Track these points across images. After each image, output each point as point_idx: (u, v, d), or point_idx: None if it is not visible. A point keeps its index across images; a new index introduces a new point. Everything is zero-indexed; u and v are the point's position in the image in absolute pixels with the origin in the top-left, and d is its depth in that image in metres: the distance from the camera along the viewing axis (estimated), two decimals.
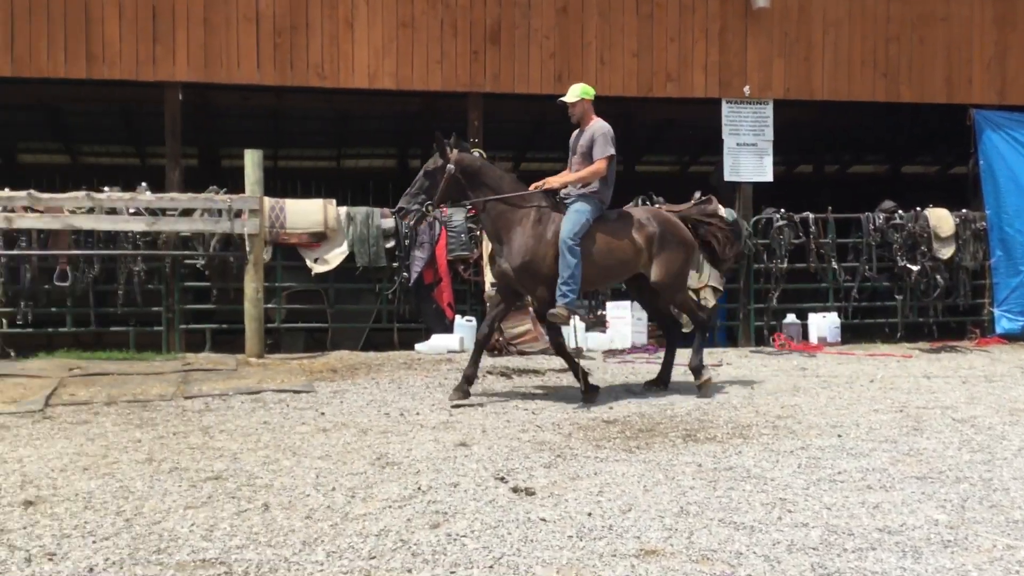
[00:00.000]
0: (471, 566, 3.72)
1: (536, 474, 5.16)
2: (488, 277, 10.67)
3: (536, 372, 9.15)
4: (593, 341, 11.05)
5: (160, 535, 4.06)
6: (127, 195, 10.18)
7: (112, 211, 10.05)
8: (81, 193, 9.98)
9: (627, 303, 11.32)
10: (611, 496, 4.72)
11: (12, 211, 9.79)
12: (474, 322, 10.91)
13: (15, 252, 10.05)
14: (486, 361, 9.77)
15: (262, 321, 10.10)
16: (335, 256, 10.90)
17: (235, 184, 11.03)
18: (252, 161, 10.13)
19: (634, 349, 11.05)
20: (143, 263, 10.42)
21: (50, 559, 3.78)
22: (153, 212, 10.25)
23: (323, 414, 6.92)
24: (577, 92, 7.83)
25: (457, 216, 11.08)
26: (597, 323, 11.49)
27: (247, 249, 9.94)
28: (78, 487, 4.87)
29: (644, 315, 11.44)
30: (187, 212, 10.39)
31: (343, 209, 11.01)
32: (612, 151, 7.67)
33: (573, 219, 7.47)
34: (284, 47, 11.00)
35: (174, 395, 7.71)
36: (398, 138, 17.72)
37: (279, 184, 14.75)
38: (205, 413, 6.98)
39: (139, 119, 15.39)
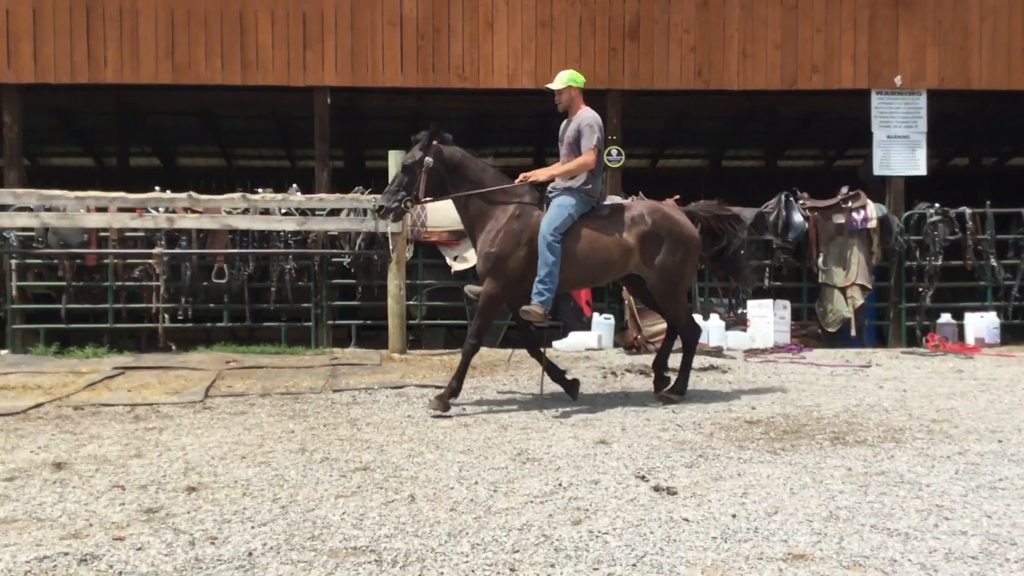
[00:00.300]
0: (614, 563, 3.72)
1: (677, 473, 5.11)
2: None
3: (674, 370, 9.04)
4: (734, 340, 10.83)
5: (314, 522, 4.23)
6: (279, 196, 10.62)
7: (265, 212, 10.51)
8: (237, 195, 10.48)
9: (769, 301, 11.06)
10: (756, 498, 4.63)
11: (174, 212, 10.37)
12: (612, 320, 10.88)
13: (177, 251, 10.62)
14: (624, 359, 9.75)
15: (404, 318, 10.36)
16: (474, 254, 11.03)
17: (379, 184, 11.34)
18: (396, 161, 10.37)
19: (777, 348, 10.77)
20: (294, 261, 10.84)
21: (212, 542, 3.98)
22: (303, 212, 10.67)
23: (464, 409, 7.04)
24: (564, 79, 7.44)
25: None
26: (738, 322, 11.27)
27: (390, 247, 10.21)
28: (237, 474, 5.11)
29: (787, 313, 11.17)
30: (334, 212, 10.78)
31: None
32: (599, 142, 7.28)
33: (554, 214, 7.13)
34: (427, 50, 11.25)
35: (323, 388, 7.99)
36: (536, 137, 17.82)
37: None
38: (352, 406, 7.22)
39: (289, 123, 16.03)
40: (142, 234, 10.64)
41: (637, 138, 16.02)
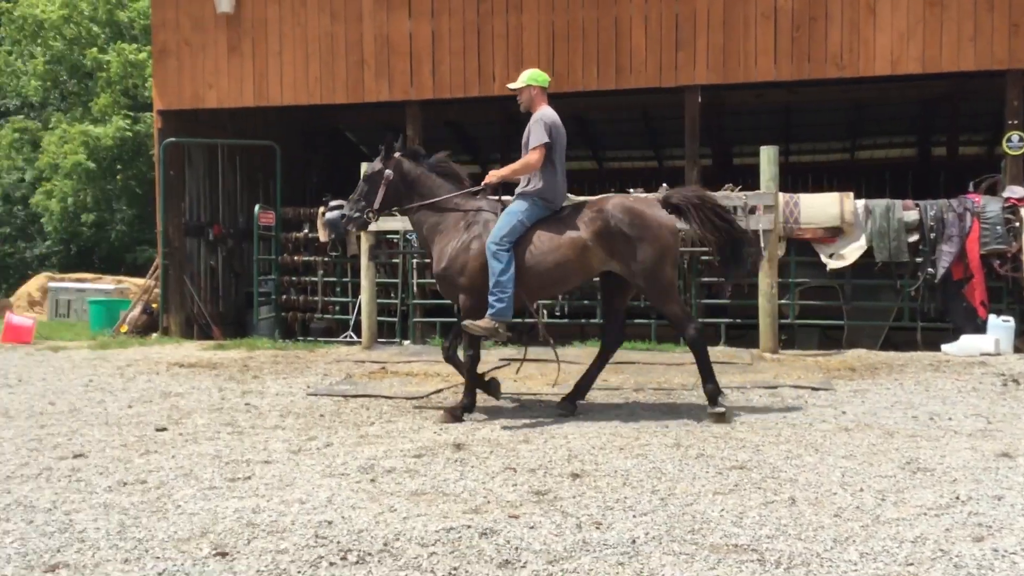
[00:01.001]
0: None
1: None
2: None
3: None
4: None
5: (693, 516, 4.28)
6: (651, 196, 10.81)
7: None
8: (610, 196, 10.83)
9: None
10: None
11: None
12: (1011, 322, 9.86)
13: None
14: None
15: (776, 317, 10.13)
16: (852, 251, 10.53)
17: (747, 181, 11.20)
18: (768, 157, 10.19)
19: None
20: None
21: (597, 527, 4.16)
22: None
23: (844, 413, 6.74)
24: (524, 78, 6.95)
25: (992, 206, 10.11)
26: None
27: (762, 245, 10.02)
28: (616, 464, 5.30)
29: None
30: None
31: (861, 202, 10.60)
32: (546, 140, 6.67)
33: (502, 221, 6.68)
34: (801, 41, 10.92)
35: (694, 385, 8.01)
36: (918, 125, 16.63)
37: (789, 179, 14.68)
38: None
39: (658, 123, 16.30)
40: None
41: None
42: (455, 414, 6.72)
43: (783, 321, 10.61)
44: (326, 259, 12.71)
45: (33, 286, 18.85)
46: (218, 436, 6.17)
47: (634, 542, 3.95)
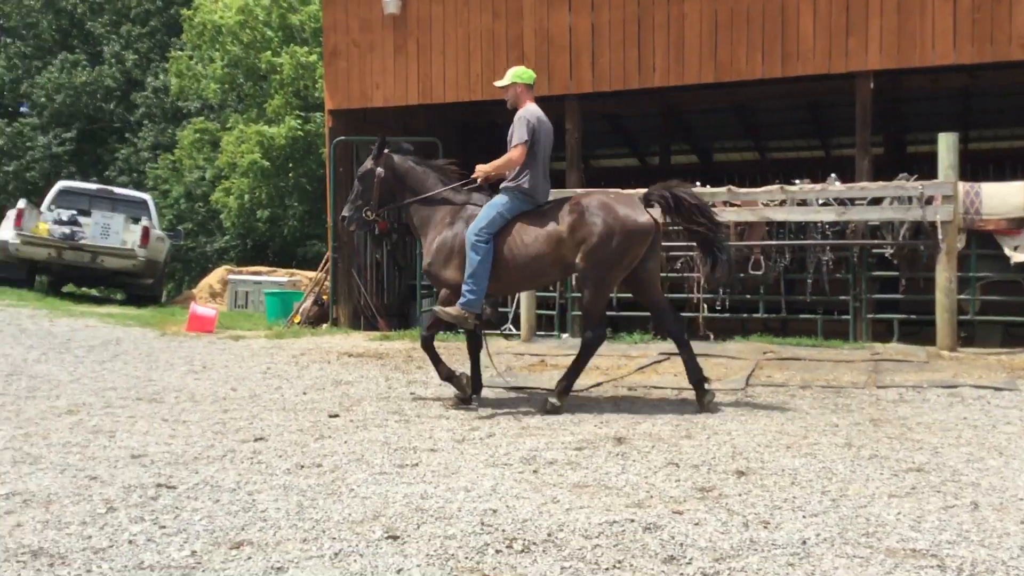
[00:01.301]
0: None
1: None
2: None
3: None
4: None
5: (867, 519, 4.12)
6: (818, 186, 10.48)
7: (802, 203, 10.45)
8: (775, 187, 10.56)
9: None
10: None
11: (713, 206, 10.72)
12: None
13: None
14: None
15: (955, 313, 9.61)
16: None
17: (921, 170, 10.67)
18: (946, 145, 9.69)
19: None
20: (831, 252, 10.63)
21: (764, 526, 4.07)
22: (842, 202, 10.40)
23: None
24: (509, 76, 7.15)
25: None
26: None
27: (939, 237, 9.54)
28: (783, 463, 5.17)
29: None
30: (875, 201, 10.35)
31: None
32: (527, 138, 6.82)
33: (483, 214, 6.88)
34: (983, 22, 10.30)
35: (866, 384, 7.74)
36: None
37: (969, 168, 13.87)
38: (899, 404, 6.89)
39: (825, 111, 15.74)
40: (682, 227, 11.19)
41: None
42: (461, 397, 7.05)
43: (962, 317, 10.05)
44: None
45: (214, 278, 20.01)
46: (386, 423, 6.38)
47: (804, 543, 3.84)
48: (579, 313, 11.85)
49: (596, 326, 6.84)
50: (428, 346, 7.20)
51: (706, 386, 6.85)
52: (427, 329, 7.31)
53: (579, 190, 6.91)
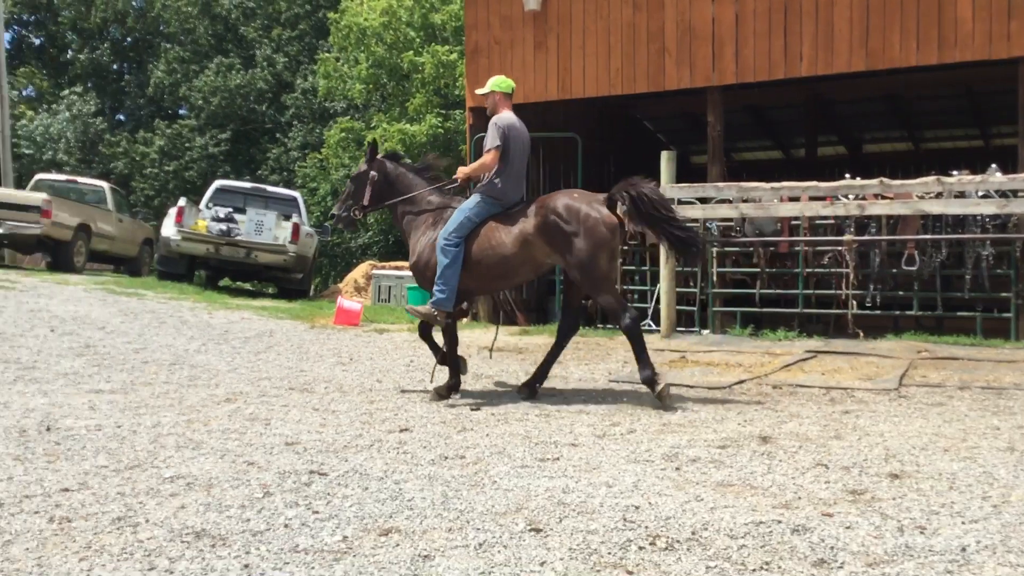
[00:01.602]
0: None
1: None
2: None
3: None
4: None
5: None
6: (977, 178, 9.96)
7: (960, 195, 9.94)
8: (931, 178, 10.08)
9: None
10: None
11: (864, 199, 10.37)
12: None
13: (867, 238, 10.61)
14: None
15: None
16: None
17: None
18: None
19: None
20: (992, 247, 10.10)
21: (921, 532, 3.90)
22: (1003, 194, 9.85)
23: None
24: (490, 84, 7.52)
25: None
26: None
27: None
28: (940, 467, 4.94)
29: None
30: None
31: None
32: (498, 143, 7.15)
33: (453, 217, 7.20)
34: None
35: None
36: None
37: None
38: None
39: (984, 99, 14.94)
40: (831, 221, 10.86)
41: None
42: (441, 393, 7.24)
43: None
44: (624, 247, 12.83)
45: (359, 273, 20.64)
46: (527, 417, 6.43)
47: (964, 550, 3.66)
48: (719, 309, 11.66)
49: (620, 314, 6.88)
50: (425, 335, 7.77)
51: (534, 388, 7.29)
52: (419, 325, 7.86)
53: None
